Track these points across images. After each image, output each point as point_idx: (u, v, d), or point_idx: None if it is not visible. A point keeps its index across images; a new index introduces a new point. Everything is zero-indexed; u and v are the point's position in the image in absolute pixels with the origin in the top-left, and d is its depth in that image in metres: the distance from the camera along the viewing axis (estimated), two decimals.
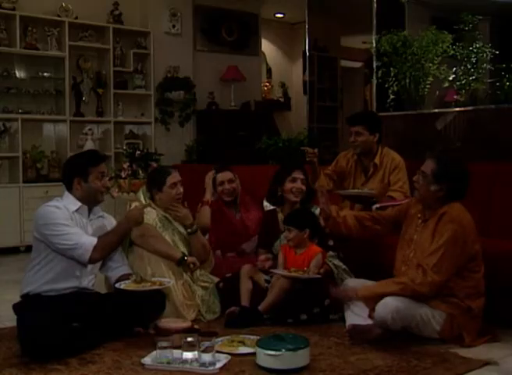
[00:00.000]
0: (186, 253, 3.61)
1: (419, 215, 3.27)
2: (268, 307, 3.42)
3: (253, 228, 4.15)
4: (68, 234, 3.11)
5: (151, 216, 3.61)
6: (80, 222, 3.24)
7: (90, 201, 3.29)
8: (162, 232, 3.60)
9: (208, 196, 4.21)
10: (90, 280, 3.28)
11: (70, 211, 3.21)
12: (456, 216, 3.06)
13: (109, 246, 3.23)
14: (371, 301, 3.10)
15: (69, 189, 3.28)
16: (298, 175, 3.76)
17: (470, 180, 3.17)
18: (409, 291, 2.97)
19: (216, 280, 3.74)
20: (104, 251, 3.20)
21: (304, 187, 3.76)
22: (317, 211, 3.73)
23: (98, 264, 3.30)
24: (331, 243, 3.67)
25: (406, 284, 2.98)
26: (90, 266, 3.23)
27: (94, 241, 3.15)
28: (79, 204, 3.25)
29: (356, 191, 4.03)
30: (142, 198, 3.74)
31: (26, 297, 3.15)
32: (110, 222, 3.42)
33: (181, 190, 3.72)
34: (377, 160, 4.07)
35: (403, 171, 4.02)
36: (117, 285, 3.20)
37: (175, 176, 3.71)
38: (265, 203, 4.70)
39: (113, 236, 3.25)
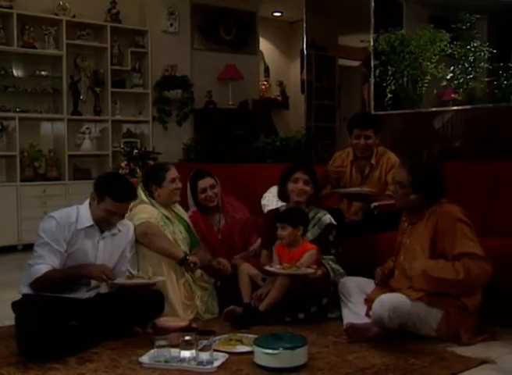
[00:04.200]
0: (188, 252, 3.62)
1: (404, 219, 3.32)
2: (269, 306, 3.41)
3: (233, 237, 4.05)
4: (35, 252, 3.08)
5: (153, 214, 3.60)
6: (87, 240, 3.15)
7: (98, 224, 3.20)
8: (163, 231, 3.59)
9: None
10: (93, 292, 3.22)
11: (78, 228, 3.12)
12: (452, 213, 3.11)
13: (53, 283, 3.05)
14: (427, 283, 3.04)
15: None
16: (300, 175, 3.69)
17: (469, 179, 3.19)
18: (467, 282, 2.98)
19: (211, 281, 3.73)
20: (43, 286, 3.03)
21: (306, 188, 3.68)
22: (325, 217, 3.68)
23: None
24: (333, 251, 3.64)
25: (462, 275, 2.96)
26: (94, 281, 3.17)
27: (41, 272, 3.00)
28: (91, 222, 3.17)
29: (356, 189, 4.03)
30: (143, 195, 3.70)
31: (25, 296, 3.12)
32: (125, 235, 3.33)
33: (180, 185, 3.73)
34: (373, 160, 4.08)
35: None
36: (109, 281, 3.18)
37: (173, 172, 3.72)
38: (264, 202, 4.71)
39: (61, 275, 3.07)
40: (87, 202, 3.22)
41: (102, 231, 3.21)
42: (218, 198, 4.08)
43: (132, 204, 3.75)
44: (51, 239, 3.07)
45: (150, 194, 3.71)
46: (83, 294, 3.17)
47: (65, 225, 3.11)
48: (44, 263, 3.03)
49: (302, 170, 3.72)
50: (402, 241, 3.29)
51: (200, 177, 4.04)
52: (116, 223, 3.24)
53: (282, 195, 3.81)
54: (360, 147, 4.03)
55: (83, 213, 3.18)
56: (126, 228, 3.37)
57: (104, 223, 3.19)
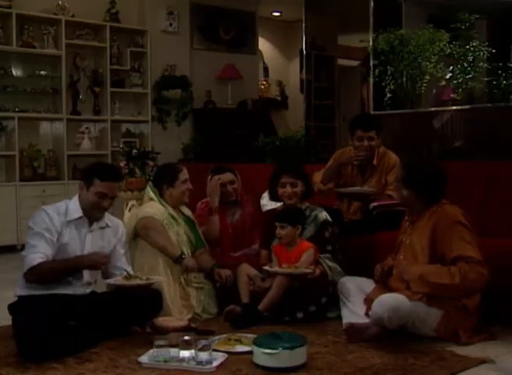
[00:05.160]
0: (190, 254, 3.62)
1: (406, 217, 3.34)
2: (268, 306, 3.41)
3: (244, 231, 4.06)
4: (28, 243, 3.08)
5: (160, 211, 3.60)
6: (76, 233, 3.16)
7: (89, 213, 3.20)
8: (167, 230, 3.58)
9: (216, 203, 4.00)
10: (87, 288, 3.21)
11: (67, 219, 3.13)
12: (452, 215, 3.11)
13: (51, 272, 3.03)
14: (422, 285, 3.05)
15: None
16: (286, 179, 3.68)
17: (466, 179, 3.19)
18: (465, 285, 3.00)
19: (209, 283, 3.70)
20: (40, 276, 3.01)
21: (295, 190, 3.68)
22: (321, 214, 3.68)
23: (96, 273, 3.24)
24: (329, 248, 3.64)
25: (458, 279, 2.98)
26: (86, 276, 3.17)
27: (37, 261, 2.98)
28: (80, 214, 3.18)
29: (356, 188, 4.03)
30: (152, 194, 3.71)
31: (21, 298, 3.11)
32: (115, 231, 3.32)
33: (191, 186, 3.75)
34: (375, 161, 4.07)
35: None
36: (107, 281, 3.20)
37: (185, 173, 3.76)
38: (263, 202, 4.71)
39: (60, 265, 3.06)
40: (75, 197, 3.24)
41: (91, 224, 3.22)
42: (238, 194, 4.09)
43: (130, 203, 3.76)
44: (43, 229, 3.07)
45: (159, 193, 3.72)
46: (77, 289, 3.15)
47: (56, 216, 3.12)
48: (38, 252, 3.02)
49: (287, 174, 3.71)
50: (402, 240, 3.29)
51: (220, 172, 4.06)
52: (107, 208, 3.23)
53: (274, 197, 3.84)
54: (364, 149, 4.00)
55: (71, 206, 3.19)
56: (116, 225, 3.36)
57: (95, 210, 3.18)
